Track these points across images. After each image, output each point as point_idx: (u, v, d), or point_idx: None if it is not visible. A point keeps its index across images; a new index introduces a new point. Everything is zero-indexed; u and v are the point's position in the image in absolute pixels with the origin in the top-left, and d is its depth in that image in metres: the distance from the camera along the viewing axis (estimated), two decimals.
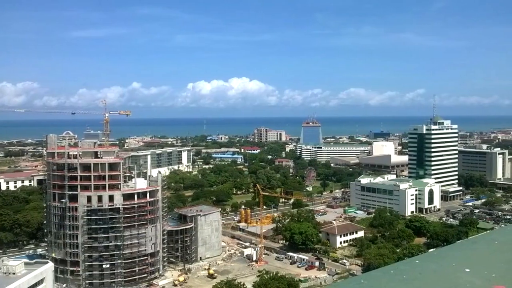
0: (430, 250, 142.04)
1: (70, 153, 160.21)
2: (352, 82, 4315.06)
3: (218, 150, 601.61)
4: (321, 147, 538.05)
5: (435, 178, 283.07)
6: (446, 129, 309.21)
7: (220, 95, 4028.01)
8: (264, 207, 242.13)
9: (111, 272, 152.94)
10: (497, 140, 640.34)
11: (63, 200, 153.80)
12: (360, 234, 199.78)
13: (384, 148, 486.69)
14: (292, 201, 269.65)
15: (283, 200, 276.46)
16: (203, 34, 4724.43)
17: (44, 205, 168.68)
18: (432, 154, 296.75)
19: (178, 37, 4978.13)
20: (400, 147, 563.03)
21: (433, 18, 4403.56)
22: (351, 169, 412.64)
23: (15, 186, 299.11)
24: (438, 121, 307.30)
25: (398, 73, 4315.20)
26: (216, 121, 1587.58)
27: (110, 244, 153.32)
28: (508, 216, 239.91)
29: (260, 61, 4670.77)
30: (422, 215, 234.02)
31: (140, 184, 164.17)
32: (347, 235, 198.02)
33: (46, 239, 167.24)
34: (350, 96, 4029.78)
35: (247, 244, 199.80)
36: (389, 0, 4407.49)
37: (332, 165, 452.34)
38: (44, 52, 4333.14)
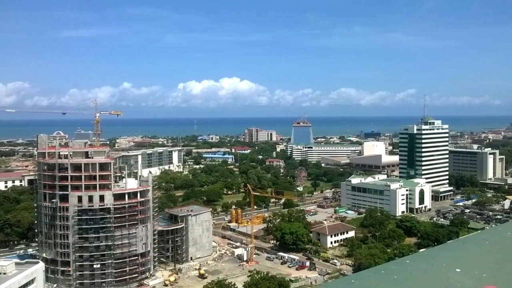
0: (421, 250, 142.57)
1: (60, 153, 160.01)
2: (343, 82, 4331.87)
3: (208, 150, 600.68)
4: (311, 147, 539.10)
5: (426, 178, 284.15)
6: (437, 129, 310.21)
7: (211, 95, 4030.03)
8: (255, 207, 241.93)
9: (102, 272, 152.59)
10: (487, 140, 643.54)
11: (54, 200, 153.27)
12: (351, 234, 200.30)
13: (374, 148, 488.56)
14: (283, 201, 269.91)
15: (274, 200, 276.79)
16: (194, 34, 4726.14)
17: (35, 205, 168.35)
18: (423, 154, 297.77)
19: (168, 37, 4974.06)
20: (390, 147, 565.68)
21: (423, 18, 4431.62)
22: (341, 169, 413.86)
23: (5, 186, 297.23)
24: (429, 121, 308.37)
25: (389, 73, 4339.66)
26: (207, 121, 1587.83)
27: (101, 244, 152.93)
28: (498, 216, 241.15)
29: (250, 61, 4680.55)
30: (413, 215, 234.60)
31: (131, 184, 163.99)
32: (337, 235, 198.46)
33: (36, 239, 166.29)
34: (341, 96, 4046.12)
35: (238, 244, 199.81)
36: (380, 0, 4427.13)
37: (322, 165, 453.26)
38: (35, 52, 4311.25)
